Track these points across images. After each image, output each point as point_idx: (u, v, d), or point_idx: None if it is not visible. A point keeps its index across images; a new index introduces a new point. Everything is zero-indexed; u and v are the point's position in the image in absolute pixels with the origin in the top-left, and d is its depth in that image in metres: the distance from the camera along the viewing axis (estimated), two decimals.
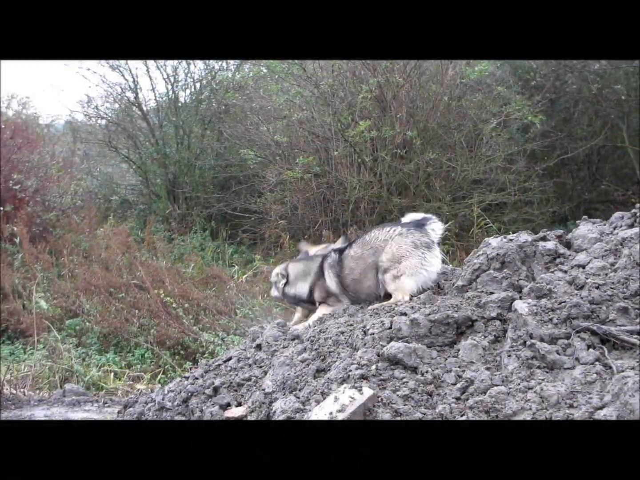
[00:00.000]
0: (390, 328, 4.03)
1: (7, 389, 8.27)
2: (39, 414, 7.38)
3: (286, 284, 5.26)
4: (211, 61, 16.93)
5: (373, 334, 4.06)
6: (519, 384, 3.28)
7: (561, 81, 15.26)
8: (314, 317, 5.03)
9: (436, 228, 4.70)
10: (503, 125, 13.17)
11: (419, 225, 4.70)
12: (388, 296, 4.73)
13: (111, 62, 16.33)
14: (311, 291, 5.11)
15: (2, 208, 13.55)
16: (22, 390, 8.34)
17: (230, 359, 5.00)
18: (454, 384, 3.49)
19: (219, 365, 5.01)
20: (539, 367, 3.37)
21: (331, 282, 4.96)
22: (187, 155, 16.47)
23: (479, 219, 12.20)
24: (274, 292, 5.42)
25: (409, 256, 4.56)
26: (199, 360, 8.39)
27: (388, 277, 4.64)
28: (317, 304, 5.11)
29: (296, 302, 5.37)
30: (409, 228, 4.68)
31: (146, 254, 12.76)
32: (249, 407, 4.24)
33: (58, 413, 7.39)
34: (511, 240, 4.48)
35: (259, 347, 4.97)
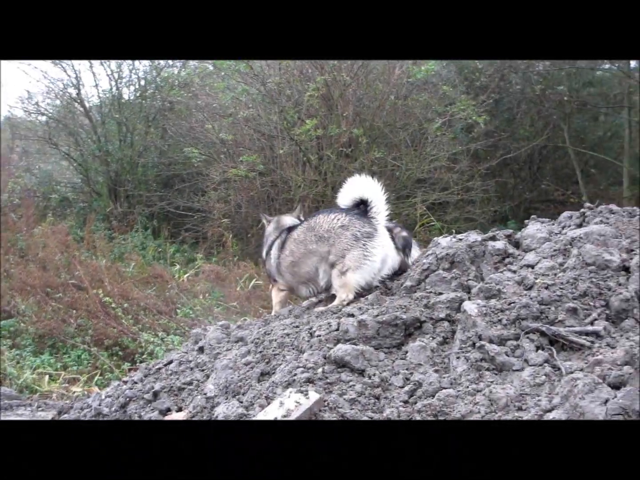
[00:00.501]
0: (337, 330, 3.94)
1: None
2: None
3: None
4: None
5: (319, 335, 3.97)
6: (468, 387, 3.23)
7: (505, 81, 15.48)
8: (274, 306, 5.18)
9: (378, 212, 4.62)
10: (448, 125, 13.26)
11: (361, 213, 4.63)
12: (327, 289, 4.76)
13: None
14: (265, 260, 5.23)
15: None
16: None
17: (171, 362, 4.87)
18: (402, 387, 3.42)
19: (160, 368, 4.87)
20: (488, 369, 3.33)
21: (273, 260, 5.02)
22: (129, 152, 16.18)
23: (422, 218, 12.25)
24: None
25: (352, 249, 4.52)
26: (138, 361, 8.20)
27: (335, 273, 4.60)
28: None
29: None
30: (352, 217, 4.61)
31: (85, 253, 12.45)
32: (190, 412, 4.12)
33: None
34: (460, 239, 4.45)
35: (201, 349, 4.84)
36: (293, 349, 4.07)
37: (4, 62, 15.36)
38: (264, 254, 5.25)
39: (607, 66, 15.12)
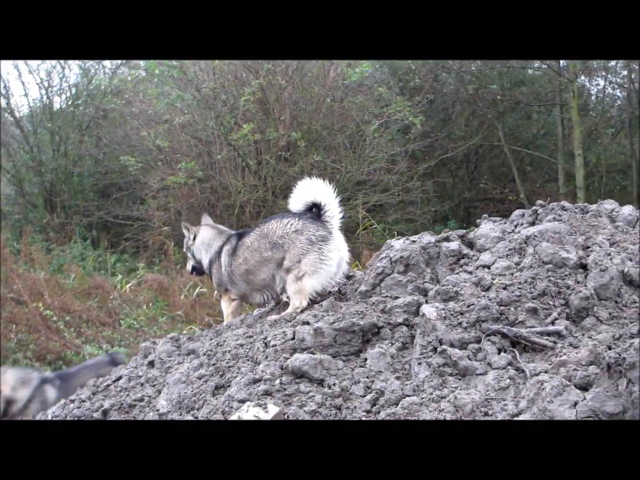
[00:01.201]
0: (293, 339, 3.87)
1: None
2: None
3: (192, 244, 5.16)
4: (87, 64, 16.35)
5: (275, 345, 3.89)
6: (432, 393, 3.18)
7: (439, 82, 15.65)
8: (226, 317, 5.04)
9: (332, 215, 4.55)
10: (385, 127, 13.32)
11: (315, 216, 4.56)
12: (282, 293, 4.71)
13: None
14: (209, 268, 5.03)
15: None
16: None
17: (120, 378, 4.74)
18: (364, 396, 3.36)
19: (108, 385, 4.75)
20: (451, 375, 3.29)
21: (224, 269, 4.88)
22: (64, 162, 15.79)
23: (364, 220, 12.26)
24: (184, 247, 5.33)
25: (307, 253, 4.44)
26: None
27: (290, 279, 4.51)
28: (215, 293, 5.10)
29: (196, 264, 5.22)
30: (305, 222, 4.53)
31: (23, 266, 12.07)
32: None
33: None
34: (414, 241, 4.42)
35: (151, 364, 4.69)
36: (248, 360, 3.99)
37: None
38: (206, 261, 5.06)
39: (537, 64, 15.41)
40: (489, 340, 3.38)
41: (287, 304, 4.62)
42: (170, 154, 13.46)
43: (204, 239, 5.09)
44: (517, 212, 4.67)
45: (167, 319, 9.50)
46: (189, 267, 5.32)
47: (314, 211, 4.58)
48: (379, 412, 3.19)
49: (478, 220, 4.83)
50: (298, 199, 4.67)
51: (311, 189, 4.62)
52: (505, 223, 4.61)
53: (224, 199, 12.89)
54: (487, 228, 4.52)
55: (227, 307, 5.03)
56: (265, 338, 4.05)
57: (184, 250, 5.31)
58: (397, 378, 3.43)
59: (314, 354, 3.66)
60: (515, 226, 4.48)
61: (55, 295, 10.44)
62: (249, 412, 3.26)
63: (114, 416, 4.23)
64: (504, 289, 3.62)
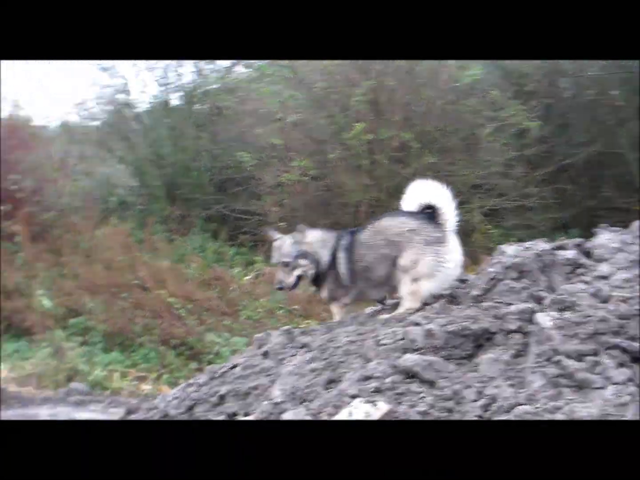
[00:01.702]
0: (403, 339, 3.90)
1: (11, 387, 8.22)
2: (44, 412, 7.36)
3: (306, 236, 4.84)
4: (201, 64, 16.78)
5: (386, 344, 3.93)
6: (546, 404, 3.11)
7: (555, 87, 15.14)
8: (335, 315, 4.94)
9: (447, 217, 4.50)
10: (499, 131, 13.03)
11: (429, 217, 4.52)
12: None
13: (102, 63, 16.17)
14: (330, 267, 4.80)
15: (1, 207, 13.49)
16: (27, 388, 8.28)
17: (236, 366, 4.86)
18: (475, 401, 3.34)
19: (225, 372, 4.87)
20: (566, 386, 3.21)
21: (344, 266, 4.74)
22: (182, 157, 16.30)
23: (480, 225, 12.06)
24: (282, 257, 4.83)
25: (423, 255, 4.41)
26: (204, 361, 8.32)
27: (406, 280, 4.49)
28: (325, 296, 4.90)
29: (313, 269, 4.84)
30: (421, 222, 4.50)
31: (147, 255, 12.64)
32: (258, 417, 4.13)
33: (63, 412, 7.36)
34: (527, 248, 4.35)
35: (265, 354, 4.80)
36: (359, 357, 4.04)
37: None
38: (323, 262, 4.84)
39: None
40: (608, 353, 3.28)
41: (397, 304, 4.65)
42: (283, 152, 13.65)
43: (317, 238, 4.90)
44: (637, 223, 4.50)
45: (285, 312, 9.70)
46: (290, 279, 4.87)
47: (429, 212, 4.55)
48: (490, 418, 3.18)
49: (594, 230, 4.70)
50: (412, 200, 4.64)
51: (427, 190, 4.59)
52: (623, 234, 4.46)
53: (338, 198, 12.97)
54: (605, 238, 4.40)
55: (338, 312, 4.97)
56: (376, 336, 4.09)
57: (282, 260, 4.85)
58: (511, 385, 3.39)
59: (424, 355, 3.68)
60: (635, 238, 4.33)
61: (177, 283, 10.89)
62: (359, 409, 3.32)
63: (230, 402, 4.39)
64: (624, 301, 3.53)
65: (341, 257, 4.79)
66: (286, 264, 4.79)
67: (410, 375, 3.59)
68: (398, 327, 4.09)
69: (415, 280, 4.44)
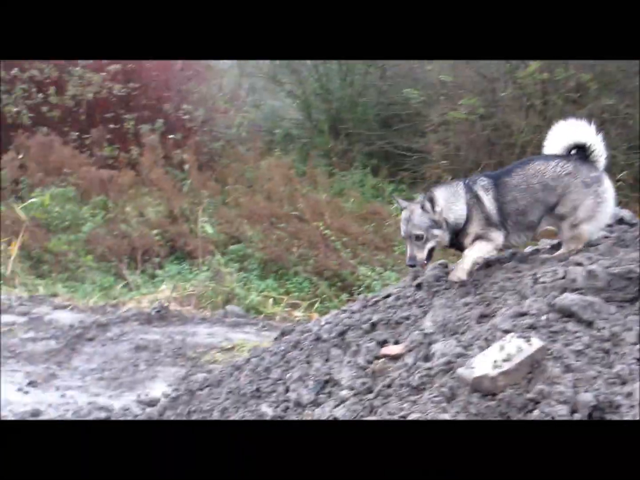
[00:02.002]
0: (563, 278, 3.79)
1: (173, 306, 8.78)
2: (202, 331, 7.78)
3: (436, 212, 4.33)
4: None
5: (544, 282, 3.83)
6: None
7: None
8: (470, 258, 4.45)
9: (599, 155, 4.29)
10: None
11: (582, 158, 4.30)
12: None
13: None
14: (468, 218, 4.38)
15: (172, 136, 14.18)
16: (187, 308, 8.82)
17: (389, 296, 4.92)
18: (635, 344, 3.20)
19: (377, 301, 4.95)
20: None
21: (491, 205, 4.39)
22: (350, 92, 16.37)
23: None
24: (414, 229, 4.35)
25: (583, 199, 4.22)
26: (356, 293, 8.47)
27: (565, 226, 4.32)
28: (470, 241, 4.47)
29: (450, 233, 4.42)
30: (575, 164, 4.28)
31: (307, 187, 12.92)
32: (407, 346, 4.18)
33: (219, 332, 7.76)
34: None
35: (419, 286, 4.80)
36: (515, 293, 3.97)
37: None
38: (461, 216, 4.40)
39: None
40: None
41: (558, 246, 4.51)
42: (453, 89, 13.38)
43: (446, 196, 4.42)
44: None
45: (440, 250, 9.65)
46: (423, 254, 4.42)
47: (578, 153, 4.33)
48: None
49: None
50: (557, 141, 4.40)
51: (575, 130, 4.35)
52: None
53: (505, 138, 12.61)
54: None
55: (485, 251, 4.49)
56: (534, 274, 4.00)
57: (414, 233, 4.37)
58: None
59: (584, 295, 3.55)
60: None
61: (334, 216, 11.07)
62: (511, 343, 3.28)
63: (381, 329, 4.48)
64: None
65: (485, 197, 4.43)
66: (419, 237, 4.35)
67: (567, 314, 3.49)
68: (559, 267, 3.97)
69: (575, 226, 4.27)
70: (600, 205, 4.24)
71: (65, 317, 8.20)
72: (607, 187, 4.28)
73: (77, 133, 14.24)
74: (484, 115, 12.71)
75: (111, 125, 14.33)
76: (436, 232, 4.34)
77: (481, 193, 4.41)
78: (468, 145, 13.00)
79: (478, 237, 4.41)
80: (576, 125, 4.36)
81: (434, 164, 13.23)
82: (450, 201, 4.40)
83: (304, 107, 17.21)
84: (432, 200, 4.30)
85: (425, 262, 4.43)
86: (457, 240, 4.50)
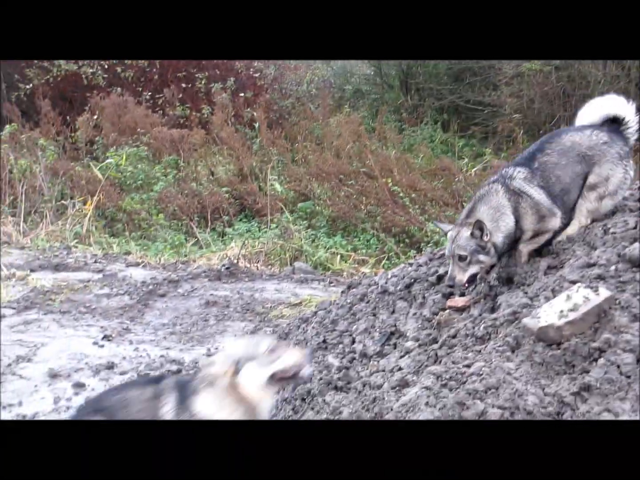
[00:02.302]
0: (635, 228, 3.67)
1: (242, 263, 8.91)
2: (270, 287, 7.87)
3: (486, 234, 3.97)
4: None
5: (614, 233, 3.73)
6: None
7: None
8: (526, 251, 4.14)
9: (633, 131, 4.08)
10: None
11: (616, 130, 4.08)
12: None
13: None
14: (517, 218, 4.02)
15: (243, 94, 14.24)
16: (255, 265, 8.93)
17: None
18: None
19: (444, 254, 4.91)
20: None
21: (539, 195, 4.02)
22: None
23: None
24: (459, 250, 4.02)
25: (615, 171, 4.01)
26: (423, 249, 8.42)
27: (592, 197, 4.06)
28: (529, 238, 4.09)
29: (502, 250, 4.05)
30: (610, 134, 4.05)
31: (376, 143, 12.83)
32: (473, 297, 4.17)
33: (287, 288, 7.84)
34: None
35: None
36: (584, 244, 3.88)
37: None
38: (510, 221, 4.03)
39: None
40: None
41: None
42: None
43: (489, 214, 4.04)
44: None
45: None
46: (464, 276, 4.04)
47: (611, 125, 4.11)
48: None
49: None
50: (593, 112, 4.18)
51: (612, 103, 4.15)
52: None
53: (581, 89, 12.23)
54: None
55: (542, 241, 4.13)
56: (604, 225, 3.91)
57: (458, 253, 4.03)
58: None
59: None
60: None
61: (403, 173, 10.99)
62: (578, 293, 3.21)
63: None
64: None
65: (530, 189, 4.07)
66: (462, 258, 4.01)
67: (637, 264, 3.38)
68: (630, 217, 3.87)
69: (601, 198, 4.04)
70: (626, 181, 4.04)
71: (138, 274, 8.38)
72: (632, 167, 4.07)
73: (149, 93, 14.48)
74: (559, 67, 12.34)
75: (183, 85, 14.50)
76: (482, 257, 4.01)
77: (525, 186, 4.07)
78: (542, 98, 12.65)
79: (535, 234, 4.09)
80: (616, 99, 4.17)
81: (506, 118, 12.96)
82: (496, 219, 4.04)
83: (374, 63, 17.05)
84: (481, 229, 3.95)
85: (466, 285, 4.11)
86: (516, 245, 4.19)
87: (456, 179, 10.80)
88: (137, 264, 8.99)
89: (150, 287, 7.85)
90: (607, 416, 2.60)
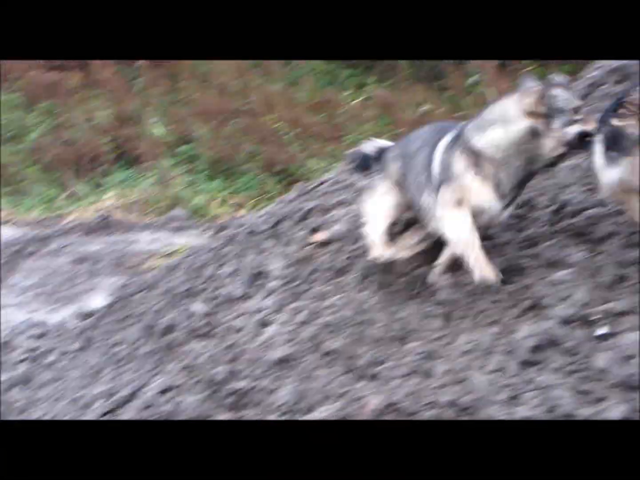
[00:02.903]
0: None
1: (116, 215, 8.54)
2: (144, 238, 7.62)
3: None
4: None
5: None
6: None
7: None
8: None
9: None
10: None
11: None
12: None
13: None
14: None
15: None
16: (132, 215, 8.59)
17: (323, 182, 4.86)
18: None
19: (313, 188, 4.88)
20: None
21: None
22: None
23: None
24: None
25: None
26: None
27: None
28: None
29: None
30: None
31: (261, 78, 12.41)
32: (341, 228, 4.12)
33: (162, 237, 7.61)
34: None
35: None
36: None
37: None
38: None
39: None
40: None
41: None
42: None
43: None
44: None
45: (391, 137, 9.39)
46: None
47: None
48: None
49: None
50: None
51: None
52: None
53: None
54: None
55: None
56: None
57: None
58: None
59: None
60: None
61: (287, 108, 10.70)
62: None
63: (315, 217, 4.41)
64: None
65: None
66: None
67: None
68: None
69: None
70: None
71: (6, 233, 7.96)
72: None
73: None
74: None
75: None
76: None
77: None
78: None
79: None
80: None
81: None
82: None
83: None
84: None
85: None
86: None
87: (338, 112, 10.59)
88: (6, 222, 8.49)
89: (17, 246, 7.44)
90: None
